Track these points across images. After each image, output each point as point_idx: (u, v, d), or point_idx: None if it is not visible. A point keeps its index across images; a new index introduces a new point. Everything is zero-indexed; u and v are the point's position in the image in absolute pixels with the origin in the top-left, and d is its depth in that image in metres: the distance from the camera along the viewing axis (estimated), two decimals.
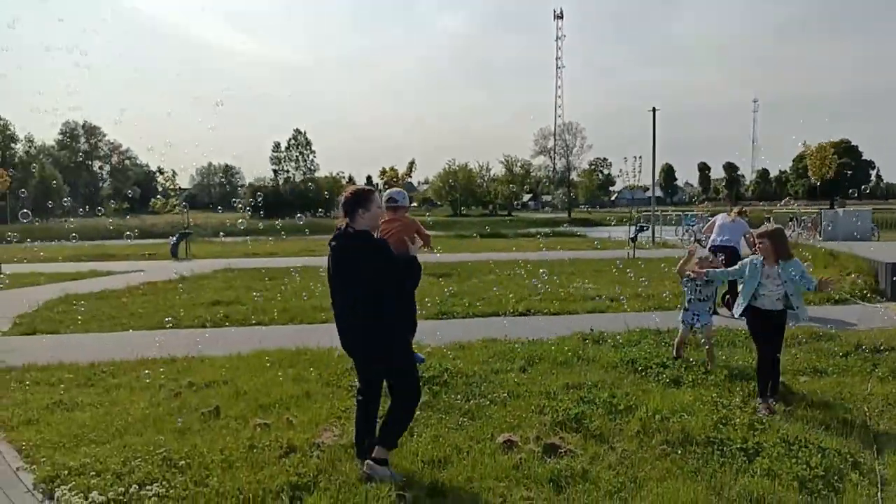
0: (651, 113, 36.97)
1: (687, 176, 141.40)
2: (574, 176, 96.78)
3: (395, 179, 22.71)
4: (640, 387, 6.58)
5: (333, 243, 4.55)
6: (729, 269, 6.80)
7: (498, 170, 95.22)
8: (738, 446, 5.01)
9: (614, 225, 47.14)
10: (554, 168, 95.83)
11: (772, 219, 33.30)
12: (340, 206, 4.63)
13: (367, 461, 4.54)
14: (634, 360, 7.40)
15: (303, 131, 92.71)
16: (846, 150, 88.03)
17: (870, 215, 23.92)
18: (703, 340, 7.64)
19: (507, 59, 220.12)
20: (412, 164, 24.29)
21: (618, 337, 8.77)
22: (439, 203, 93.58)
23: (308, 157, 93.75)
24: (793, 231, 28.92)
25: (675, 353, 7.58)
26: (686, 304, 7.51)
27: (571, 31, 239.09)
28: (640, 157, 69.91)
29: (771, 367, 6.19)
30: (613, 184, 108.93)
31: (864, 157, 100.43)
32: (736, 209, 13.48)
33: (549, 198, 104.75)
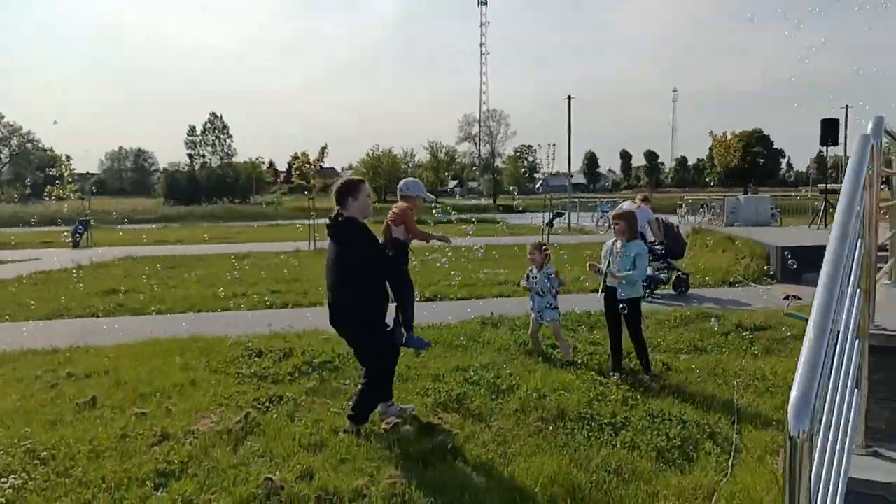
0: (566, 101, 37.81)
1: (610, 163, 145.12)
2: (499, 163, 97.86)
3: (306, 165, 22.47)
4: (527, 367, 6.83)
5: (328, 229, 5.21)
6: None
7: (423, 156, 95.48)
8: (607, 421, 5.30)
9: (521, 211, 47.83)
10: (479, 154, 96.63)
11: (684, 205, 34.67)
12: (332, 195, 5.20)
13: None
14: (527, 343, 7.67)
15: (219, 115, 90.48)
16: (759, 140, 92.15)
17: (769, 202, 25.24)
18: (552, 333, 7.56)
19: (438, 45, 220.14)
20: (324, 149, 24.12)
21: (516, 321, 9.03)
22: None
23: (225, 141, 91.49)
24: (703, 217, 30.27)
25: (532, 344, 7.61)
26: (531, 302, 7.57)
27: (503, 19, 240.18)
28: (555, 145, 71.19)
29: (639, 342, 6.58)
30: (538, 171, 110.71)
31: (775, 147, 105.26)
32: (640, 196, 14.04)
33: (475, 184, 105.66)
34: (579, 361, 7.05)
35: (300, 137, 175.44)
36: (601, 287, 6.73)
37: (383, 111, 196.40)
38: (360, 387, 5.36)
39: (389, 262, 5.35)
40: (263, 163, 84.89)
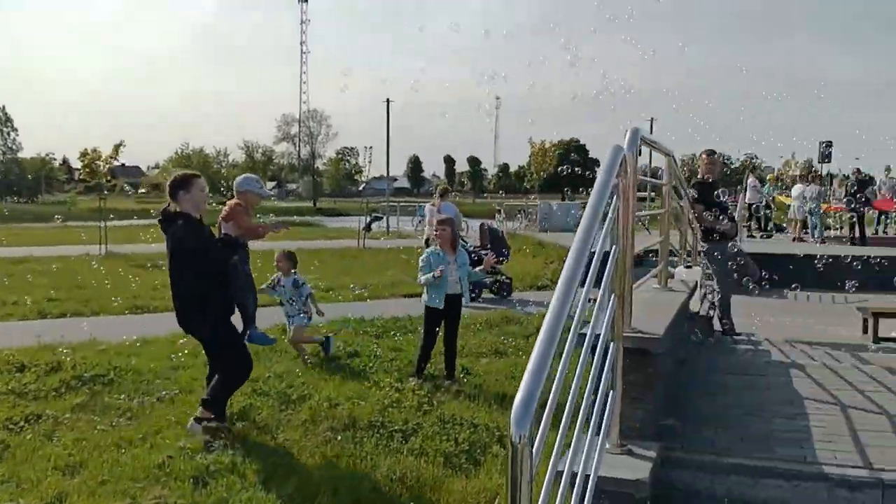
0: (385, 104, 38.25)
1: (435, 168, 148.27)
2: (319, 164, 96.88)
3: (97, 161, 20.76)
4: (322, 377, 6.71)
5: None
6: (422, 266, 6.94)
7: (237, 155, 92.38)
8: (398, 428, 5.31)
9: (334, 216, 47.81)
10: (298, 156, 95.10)
11: (502, 210, 36.16)
12: (167, 188, 5.22)
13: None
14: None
15: (1, 106, 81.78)
16: (577, 148, 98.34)
17: (579, 208, 26.99)
18: (294, 338, 7.46)
19: (255, 43, 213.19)
20: (119, 146, 22.36)
21: (321, 328, 8.87)
22: None
23: (8, 135, 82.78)
24: (520, 223, 31.75)
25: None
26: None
27: (327, 18, 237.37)
28: (371, 147, 71.71)
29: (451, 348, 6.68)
30: (361, 173, 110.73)
31: (590, 156, 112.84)
32: (440, 188, 14.55)
33: (294, 186, 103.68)
34: (373, 370, 6.99)
35: (105, 136, 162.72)
36: (430, 295, 6.61)
37: (194, 107, 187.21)
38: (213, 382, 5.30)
39: (218, 257, 5.22)
40: (55, 159, 78.10)
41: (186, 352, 7.15)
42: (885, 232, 21.14)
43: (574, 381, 2.53)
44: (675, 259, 7.22)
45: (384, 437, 5.14)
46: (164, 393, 6.10)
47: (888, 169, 24.44)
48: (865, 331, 8.64)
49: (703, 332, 7.43)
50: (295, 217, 40.44)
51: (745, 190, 20.86)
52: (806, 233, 18.89)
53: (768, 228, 20.98)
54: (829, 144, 26.09)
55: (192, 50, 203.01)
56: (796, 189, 19.42)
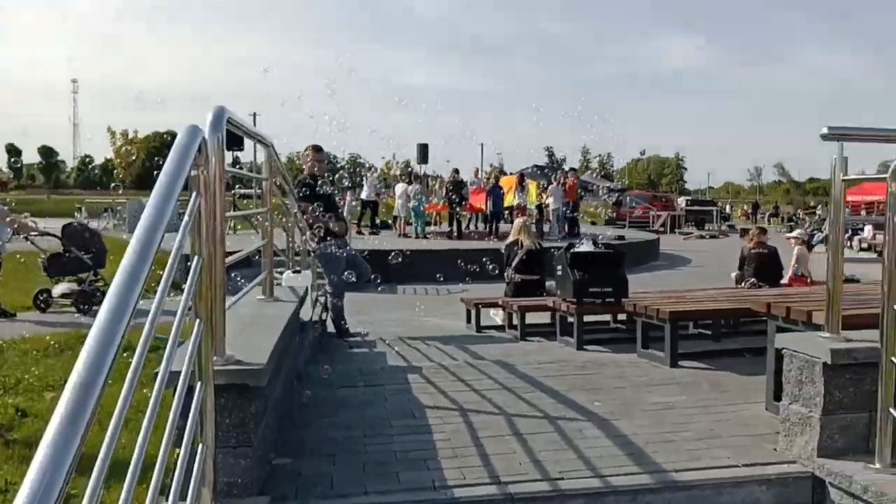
0: None
1: None
2: None
3: None
4: None
5: None
6: None
7: None
8: None
9: None
10: None
11: (84, 209, 32.61)
12: None
13: None
14: None
15: None
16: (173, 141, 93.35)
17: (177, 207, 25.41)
18: None
19: None
20: None
21: None
22: None
23: None
24: (107, 222, 28.94)
25: None
26: None
27: None
28: None
29: None
30: None
31: None
32: None
33: None
34: None
35: None
36: None
37: None
38: None
39: None
40: None
41: None
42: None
43: (137, 450, 1.81)
44: (293, 261, 6.79)
45: None
46: None
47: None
48: (469, 320, 9.25)
49: (320, 339, 7.15)
50: None
51: (360, 188, 21.74)
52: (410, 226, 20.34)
53: (376, 225, 22.05)
54: (426, 147, 28.33)
55: None
56: (399, 188, 20.77)
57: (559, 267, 6.94)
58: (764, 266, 10.48)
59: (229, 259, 3.52)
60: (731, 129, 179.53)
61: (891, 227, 2.98)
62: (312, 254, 8.05)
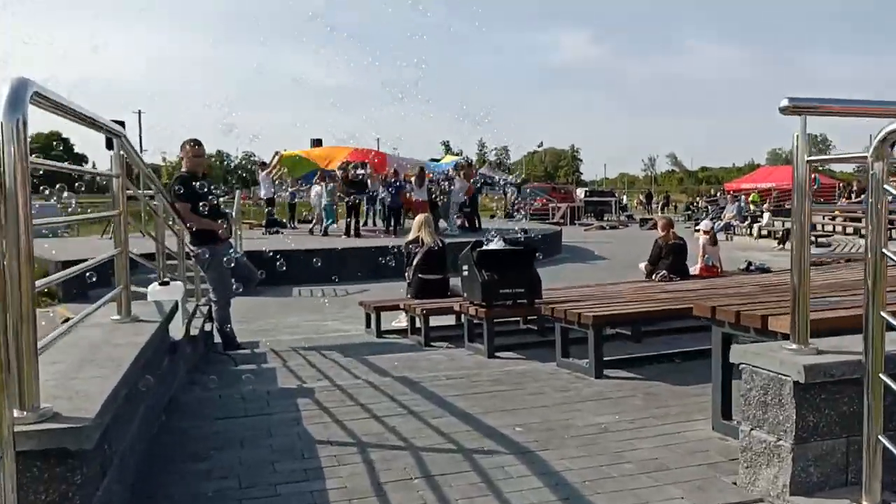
0: None
1: None
2: None
3: None
4: None
5: None
6: None
7: None
8: None
9: None
10: None
11: None
12: None
13: None
14: None
15: None
16: (63, 141, 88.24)
17: (58, 209, 23.56)
18: None
19: None
20: None
21: None
22: None
23: None
24: None
25: None
26: None
27: None
28: None
29: None
30: None
31: (76, 151, 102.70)
32: None
33: None
34: None
35: None
36: None
37: None
38: None
39: None
40: None
41: None
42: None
43: None
44: (165, 269, 5.97)
45: None
46: None
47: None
48: (369, 325, 8.61)
49: (205, 354, 6.35)
50: None
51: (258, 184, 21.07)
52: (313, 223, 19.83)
53: (273, 224, 21.21)
54: (320, 142, 27.44)
55: None
56: (315, 189, 20.32)
57: (465, 267, 6.36)
58: (680, 259, 10.32)
59: (44, 281, 2.77)
60: (623, 121, 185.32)
61: (872, 214, 2.46)
62: (194, 259, 7.26)
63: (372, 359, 6.14)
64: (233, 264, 6.66)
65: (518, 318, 7.20)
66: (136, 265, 4.75)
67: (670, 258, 10.33)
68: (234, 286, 7.06)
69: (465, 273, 6.38)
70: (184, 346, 4.99)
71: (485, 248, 6.27)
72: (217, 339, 7.32)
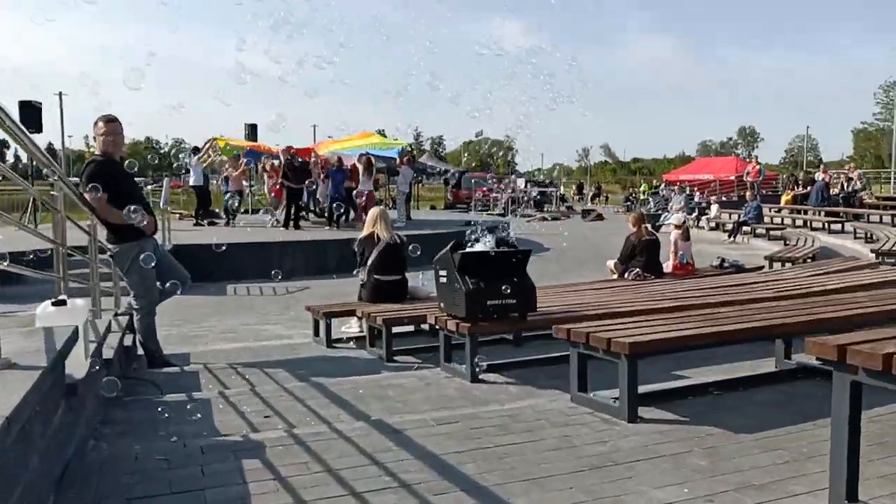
0: None
1: None
2: None
3: None
4: None
5: None
6: None
7: None
8: None
9: None
10: None
11: None
12: None
13: None
14: None
15: None
16: None
17: None
18: None
19: None
20: None
21: None
22: None
23: None
24: None
25: None
26: None
27: None
28: None
29: None
30: None
31: None
32: None
33: None
34: None
35: None
36: None
37: None
38: None
39: None
40: None
41: None
42: None
43: None
44: (66, 279, 4.70)
45: None
46: None
47: None
48: (317, 332, 7.47)
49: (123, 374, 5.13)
50: None
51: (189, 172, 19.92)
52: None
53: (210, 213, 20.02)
54: (255, 127, 26.26)
55: None
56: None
57: (443, 272, 5.26)
58: (654, 256, 9.51)
59: None
60: (558, 112, 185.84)
61: None
62: (112, 258, 6.02)
63: (330, 384, 5.00)
64: (153, 263, 5.43)
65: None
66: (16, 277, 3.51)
67: (644, 256, 9.53)
68: (161, 289, 5.93)
69: (444, 279, 5.28)
70: (90, 382, 3.76)
71: (469, 249, 5.16)
72: (140, 351, 6.15)
